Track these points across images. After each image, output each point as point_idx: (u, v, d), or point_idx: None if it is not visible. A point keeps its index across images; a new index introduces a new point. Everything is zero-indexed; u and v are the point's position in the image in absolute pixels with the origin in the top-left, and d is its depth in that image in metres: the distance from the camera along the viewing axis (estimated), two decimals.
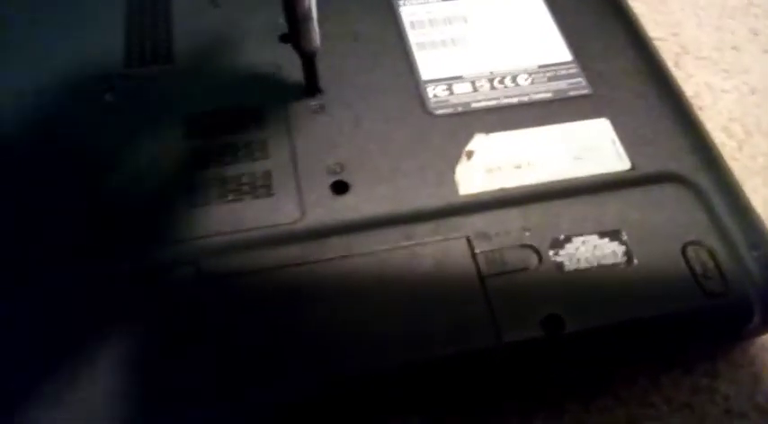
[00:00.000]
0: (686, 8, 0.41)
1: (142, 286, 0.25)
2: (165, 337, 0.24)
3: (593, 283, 0.25)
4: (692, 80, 0.37)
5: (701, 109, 0.36)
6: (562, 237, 0.26)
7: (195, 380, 0.23)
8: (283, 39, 0.32)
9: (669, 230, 0.27)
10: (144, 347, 0.23)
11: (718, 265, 0.26)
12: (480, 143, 0.29)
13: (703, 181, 0.28)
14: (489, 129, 0.29)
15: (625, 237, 0.26)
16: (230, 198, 0.27)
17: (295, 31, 0.28)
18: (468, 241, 0.26)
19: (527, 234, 0.26)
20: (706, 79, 0.38)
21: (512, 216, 0.27)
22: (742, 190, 0.28)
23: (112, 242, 0.26)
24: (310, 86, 0.30)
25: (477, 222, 0.26)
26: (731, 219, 0.27)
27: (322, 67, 0.30)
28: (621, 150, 0.29)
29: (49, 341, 0.23)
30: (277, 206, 0.27)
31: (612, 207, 0.27)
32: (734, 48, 0.39)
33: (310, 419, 0.24)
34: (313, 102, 0.30)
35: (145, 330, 0.24)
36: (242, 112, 0.30)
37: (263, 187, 0.27)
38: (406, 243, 0.26)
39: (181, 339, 0.24)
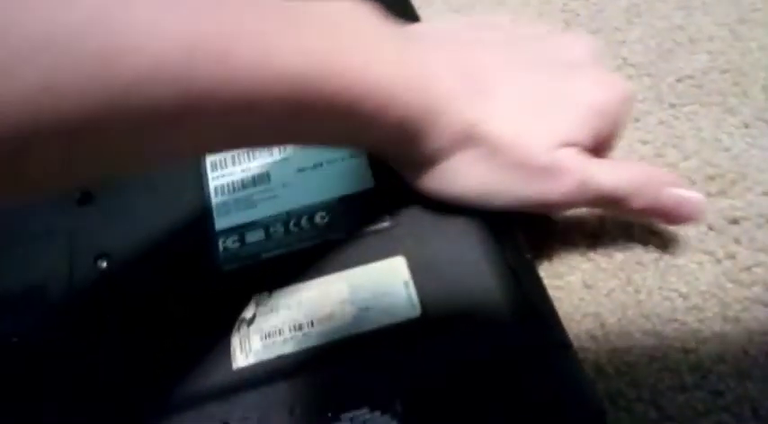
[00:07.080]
0: None
1: None
2: None
3: None
4: None
5: None
6: (330, 415, 0.24)
7: None
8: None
9: None
10: None
11: None
12: (261, 305, 0.27)
13: None
14: (274, 285, 0.28)
15: (399, 408, 0.24)
16: None
17: None
18: None
19: (291, 417, 0.24)
20: None
21: (281, 393, 0.25)
22: None
23: None
24: None
25: (237, 408, 0.25)
26: None
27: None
28: (414, 293, 0.27)
29: None
30: None
31: (392, 369, 0.25)
32: None
33: None
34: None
35: None
36: None
37: None
38: None
39: None
